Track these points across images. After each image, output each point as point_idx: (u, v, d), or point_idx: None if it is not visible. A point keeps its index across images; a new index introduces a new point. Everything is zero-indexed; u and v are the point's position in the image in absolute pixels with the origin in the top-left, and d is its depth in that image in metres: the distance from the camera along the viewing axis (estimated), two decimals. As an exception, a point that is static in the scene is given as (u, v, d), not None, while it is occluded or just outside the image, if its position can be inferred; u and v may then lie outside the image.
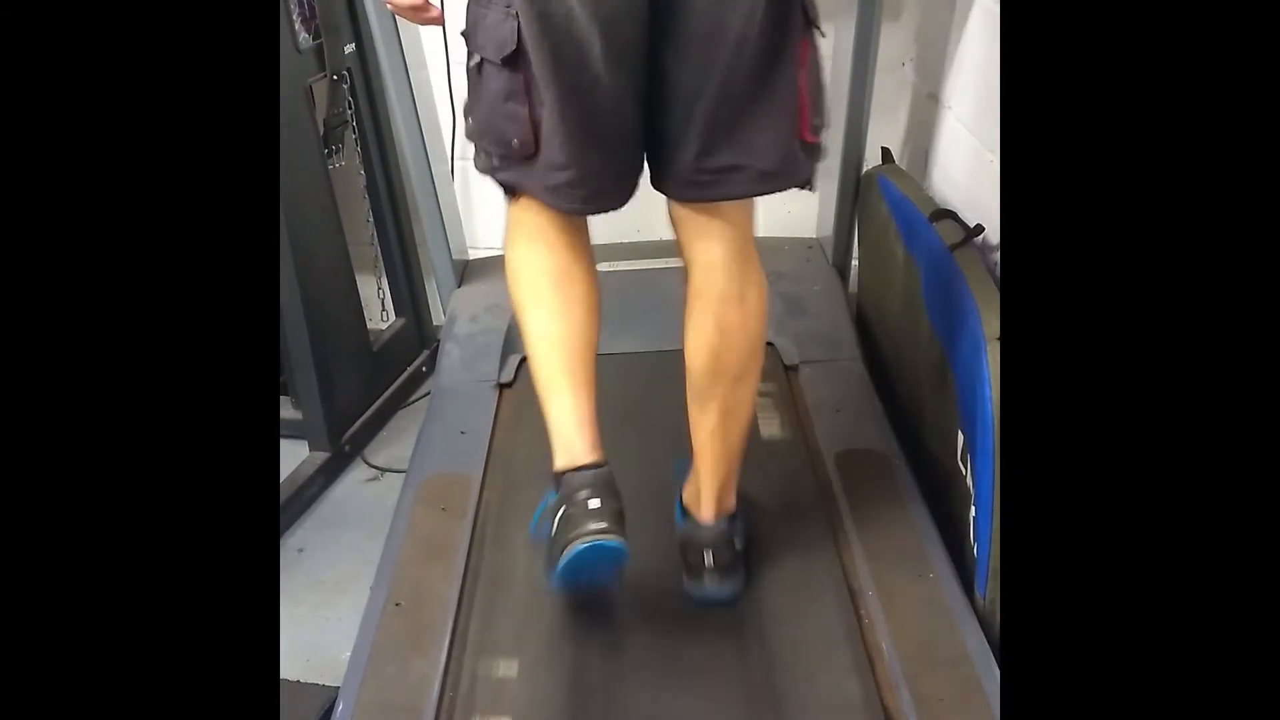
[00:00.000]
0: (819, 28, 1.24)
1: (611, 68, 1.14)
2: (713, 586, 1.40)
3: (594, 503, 1.24)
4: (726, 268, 1.30)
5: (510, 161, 1.26)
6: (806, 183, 1.29)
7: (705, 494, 1.40)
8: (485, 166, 1.31)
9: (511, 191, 1.32)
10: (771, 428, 1.80)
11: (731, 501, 1.42)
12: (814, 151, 1.27)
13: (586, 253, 1.36)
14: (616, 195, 1.27)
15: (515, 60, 1.17)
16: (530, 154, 1.22)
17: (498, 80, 1.21)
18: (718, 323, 1.31)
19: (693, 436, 1.40)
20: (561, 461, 1.30)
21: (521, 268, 1.35)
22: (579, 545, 1.22)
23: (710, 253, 1.30)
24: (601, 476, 1.28)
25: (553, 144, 1.20)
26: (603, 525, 1.22)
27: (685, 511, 1.44)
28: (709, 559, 1.39)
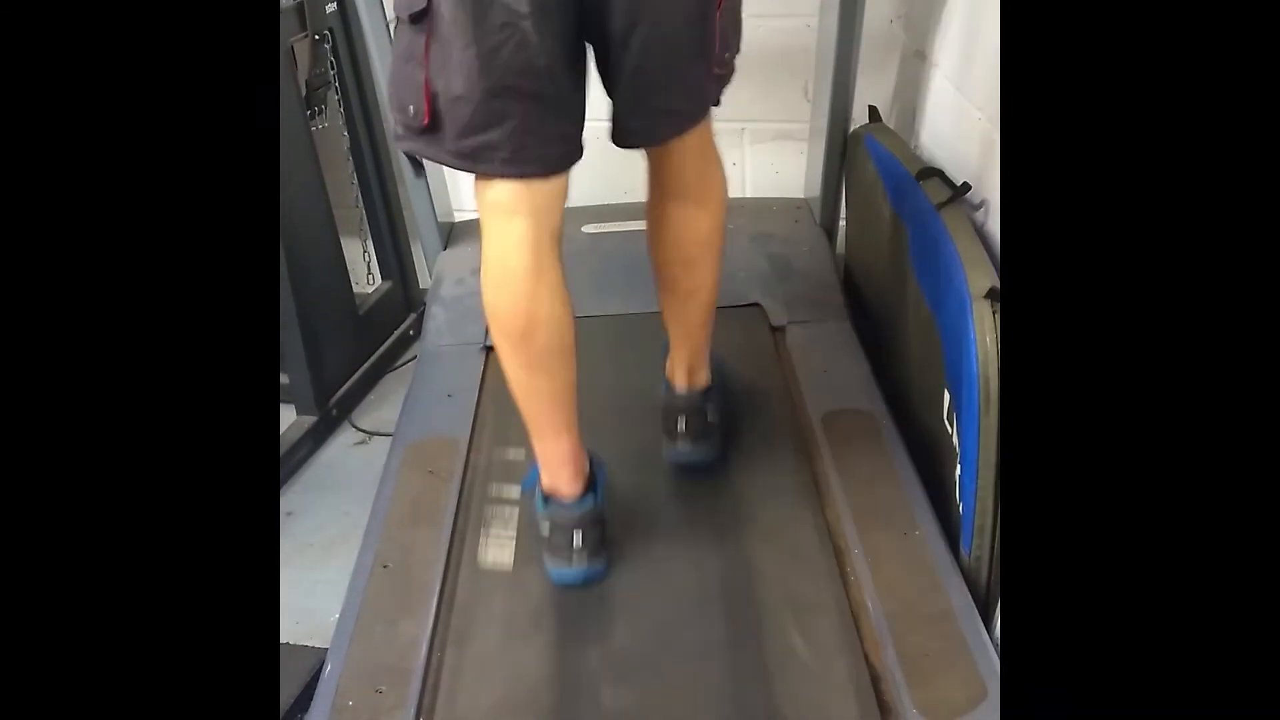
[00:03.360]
0: None
1: (540, 28, 1.12)
2: (684, 448, 1.57)
3: (578, 538, 1.38)
4: (686, 168, 1.37)
5: (411, 131, 1.21)
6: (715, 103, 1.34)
7: (678, 365, 1.56)
8: (394, 135, 1.27)
9: (418, 165, 1.33)
10: (759, 388, 1.80)
11: (704, 377, 1.58)
12: (722, 80, 1.31)
13: (559, 291, 1.30)
14: (544, 160, 1.22)
15: (421, 18, 1.13)
16: (423, 126, 1.18)
17: (403, 40, 1.18)
18: (678, 218, 1.40)
19: (664, 317, 1.54)
20: (547, 483, 1.42)
21: (494, 313, 1.30)
22: (567, 574, 1.40)
23: (669, 156, 1.35)
24: (585, 513, 1.39)
25: (463, 109, 1.15)
26: (584, 561, 1.39)
27: (667, 383, 1.60)
28: (682, 424, 1.56)
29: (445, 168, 2.25)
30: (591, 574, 1.40)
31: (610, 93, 1.25)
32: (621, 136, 1.28)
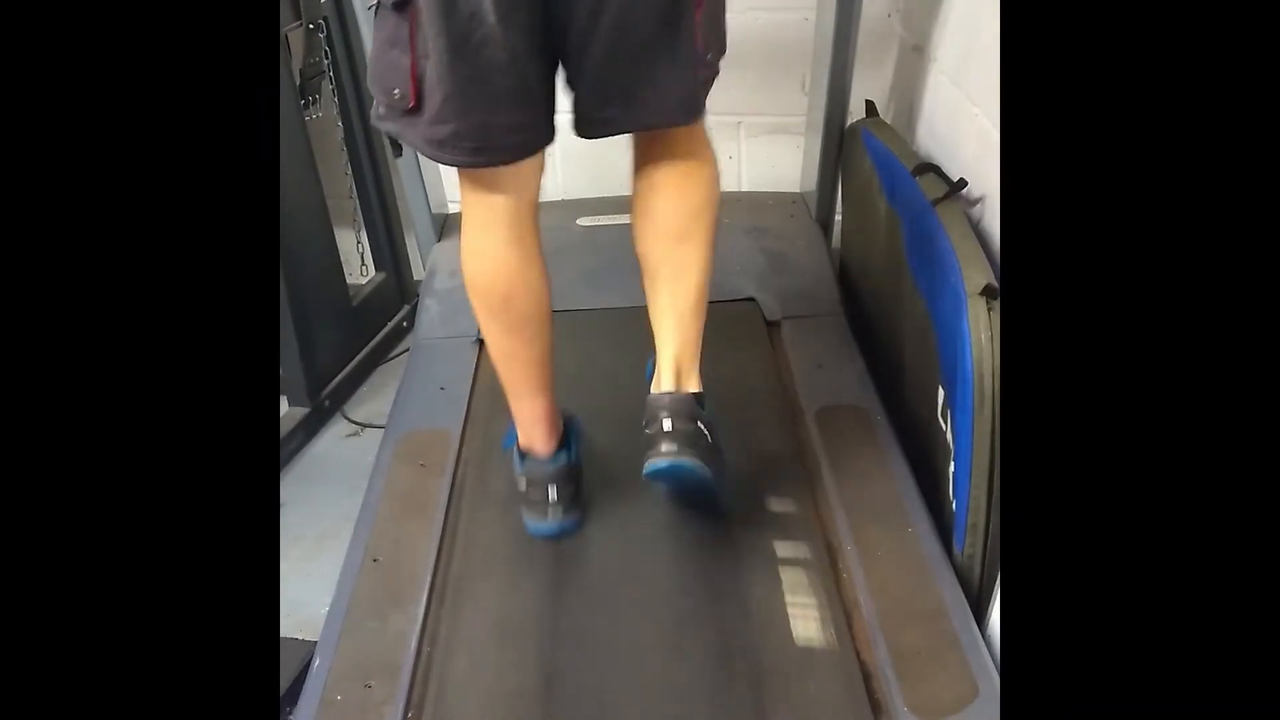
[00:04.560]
0: None
1: (504, 21, 1.12)
2: (668, 452, 1.27)
3: (552, 493, 1.45)
4: (675, 140, 1.32)
5: (393, 112, 1.22)
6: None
7: (664, 366, 1.36)
8: (374, 116, 1.27)
9: (398, 147, 1.34)
10: (753, 383, 1.80)
11: (694, 382, 1.37)
12: (708, 81, 1.28)
13: (536, 259, 1.36)
14: (508, 149, 1.24)
15: (404, 6, 1.14)
16: (409, 107, 1.19)
17: (387, 25, 1.18)
18: (667, 186, 1.33)
19: (650, 313, 1.39)
20: (523, 442, 1.48)
21: (473, 282, 1.36)
22: (541, 527, 1.46)
23: (656, 148, 1.33)
24: (558, 469, 1.45)
25: (435, 97, 1.17)
26: (559, 516, 1.45)
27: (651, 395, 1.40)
28: (667, 423, 1.30)
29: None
30: (565, 527, 1.46)
31: (575, 83, 1.24)
32: (589, 126, 1.27)
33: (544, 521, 1.45)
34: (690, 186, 1.34)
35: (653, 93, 1.23)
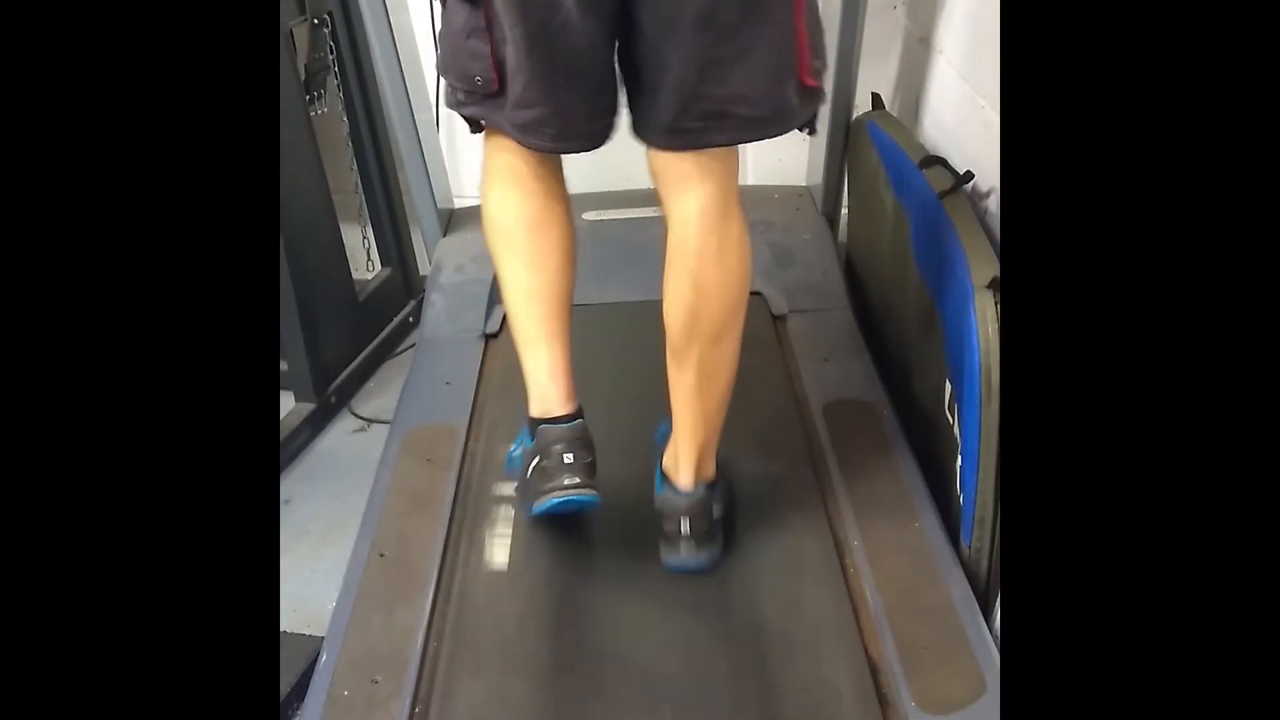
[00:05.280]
0: None
1: (581, 9, 1.12)
2: (688, 556, 1.36)
3: (568, 457, 1.32)
4: (705, 223, 1.24)
5: (474, 97, 1.25)
6: (805, 126, 1.27)
7: (683, 458, 1.35)
8: (451, 101, 1.30)
9: (478, 126, 1.31)
10: (759, 378, 1.79)
11: (711, 469, 1.38)
12: (813, 96, 1.22)
13: (562, 198, 1.35)
14: (588, 136, 1.24)
15: None
16: (493, 91, 1.22)
17: (460, 15, 1.20)
18: (695, 281, 1.26)
19: (672, 398, 1.35)
20: (536, 410, 1.37)
21: (497, 215, 1.35)
22: (554, 499, 1.31)
23: (688, 207, 1.24)
24: (575, 430, 1.34)
25: (517, 82, 1.18)
26: (576, 480, 1.31)
27: (664, 478, 1.40)
28: (685, 527, 1.35)
29: (446, 153, 2.28)
30: (581, 501, 1.32)
31: (651, 86, 1.18)
32: (669, 137, 1.20)
33: (560, 495, 1.31)
34: (728, 280, 1.27)
35: (750, 104, 1.18)
